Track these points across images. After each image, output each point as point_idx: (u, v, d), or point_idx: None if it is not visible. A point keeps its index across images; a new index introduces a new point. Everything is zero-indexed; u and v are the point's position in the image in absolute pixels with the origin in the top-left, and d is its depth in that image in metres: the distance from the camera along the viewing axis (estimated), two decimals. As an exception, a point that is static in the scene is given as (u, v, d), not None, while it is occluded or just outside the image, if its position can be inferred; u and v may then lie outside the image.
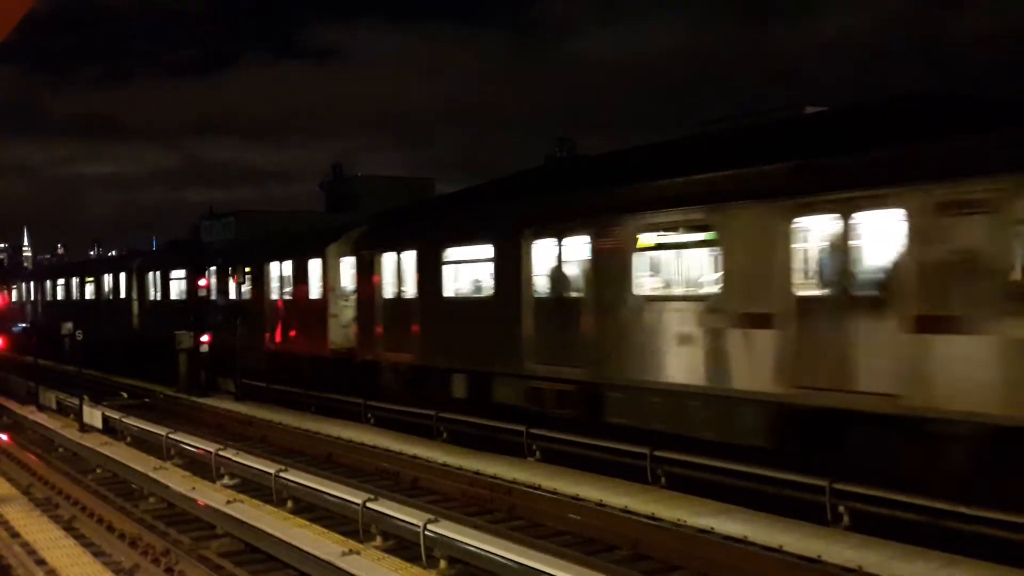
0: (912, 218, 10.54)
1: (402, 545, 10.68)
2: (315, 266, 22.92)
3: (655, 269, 14.83)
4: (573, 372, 15.09)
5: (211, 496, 13.28)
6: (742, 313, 12.37)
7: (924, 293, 10.41)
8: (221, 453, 15.23)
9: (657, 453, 13.35)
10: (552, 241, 15.73)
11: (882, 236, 11.10)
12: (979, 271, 9.92)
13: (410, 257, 19.17)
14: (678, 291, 14.37)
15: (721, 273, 12.94)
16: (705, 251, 13.80)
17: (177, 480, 14.42)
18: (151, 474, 14.84)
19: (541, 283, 16.00)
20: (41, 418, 22.13)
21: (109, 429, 19.85)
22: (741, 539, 10.48)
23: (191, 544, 11.89)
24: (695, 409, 13.16)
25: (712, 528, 10.92)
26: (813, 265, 12.17)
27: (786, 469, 11.67)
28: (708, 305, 12.97)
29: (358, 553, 10.19)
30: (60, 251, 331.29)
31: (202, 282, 28.27)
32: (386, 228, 21.13)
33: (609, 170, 17.52)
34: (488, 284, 17.53)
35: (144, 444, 18.09)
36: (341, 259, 22.19)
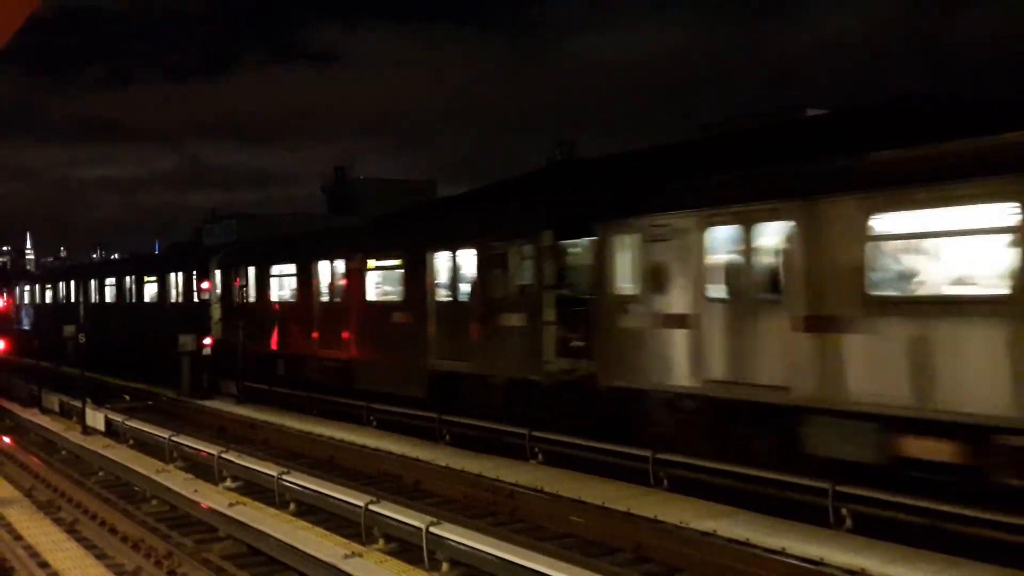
0: (479, 256, 17.96)
1: (404, 548, 10.69)
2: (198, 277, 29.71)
3: (379, 283, 21.62)
4: (340, 354, 22.13)
5: (213, 499, 13.29)
6: (414, 311, 19.57)
7: (485, 298, 17.63)
8: (223, 456, 15.24)
9: (659, 456, 13.36)
10: (327, 263, 22.93)
11: (467, 266, 18.39)
12: (507, 284, 17.11)
13: (252, 271, 26.46)
14: (387, 298, 21.18)
15: (403, 287, 20.27)
16: (398, 272, 20.67)
17: (179, 483, 14.44)
18: (154, 477, 14.86)
19: (324, 292, 23.06)
20: (44, 420, 22.17)
21: (112, 432, 19.88)
22: (743, 542, 10.46)
23: (193, 547, 11.91)
24: (395, 375, 20.12)
25: (715, 531, 10.91)
26: (445, 283, 18.97)
27: (788, 472, 11.69)
28: (399, 305, 20.26)
29: (360, 555, 10.21)
30: (63, 254, 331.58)
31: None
32: (241, 249, 28.65)
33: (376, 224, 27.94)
34: (295, 293, 24.50)
35: (146, 447, 18.11)
36: (216, 271, 28.12)
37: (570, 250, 16.24)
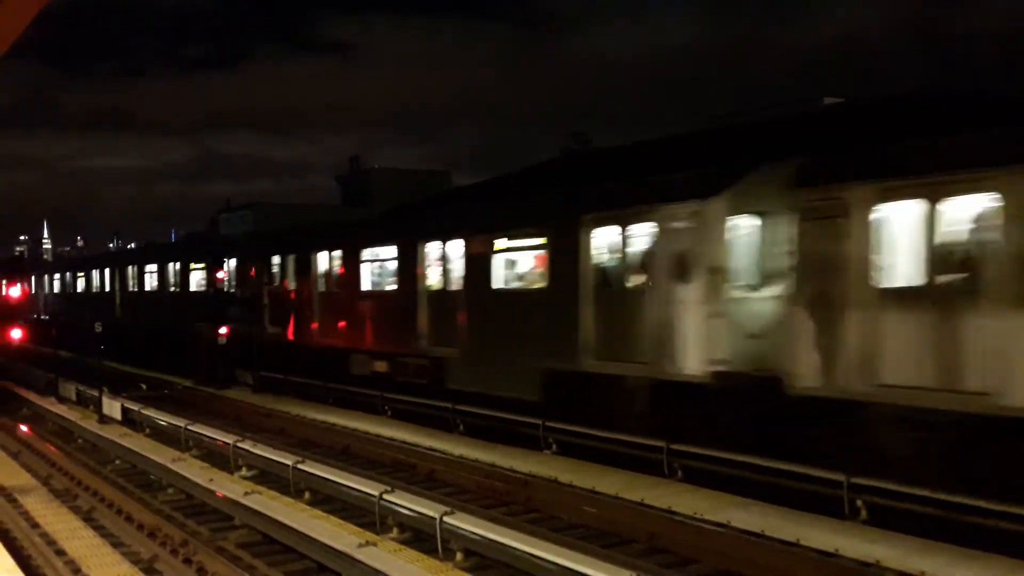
0: (237, 265, 28.79)
1: (419, 537, 10.72)
2: (107, 272, 40.84)
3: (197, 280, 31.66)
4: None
5: (229, 487, 13.35)
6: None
7: (246, 290, 27.43)
8: (239, 445, 15.31)
9: (674, 447, 13.34)
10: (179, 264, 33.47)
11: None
12: (251, 283, 27.48)
13: (135, 269, 37.31)
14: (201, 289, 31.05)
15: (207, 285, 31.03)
16: (202, 272, 31.21)
17: (195, 471, 14.51)
18: (170, 465, 14.93)
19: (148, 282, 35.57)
20: (61, 409, 22.31)
21: (128, 420, 19.98)
22: (758, 533, 10.45)
23: (209, 535, 11.97)
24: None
25: (729, 522, 10.90)
26: (236, 283, 29.52)
27: (803, 463, 11.66)
28: (204, 299, 30.27)
29: (375, 544, 10.24)
30: (80, 243, 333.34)
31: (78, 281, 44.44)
32: (130, 253, 39.79)
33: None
34: (155, 285, 35.16)
35: (163, 435, 18.21)
36: (106, 270, 40.09)
37: (275, 263, 26.31)
